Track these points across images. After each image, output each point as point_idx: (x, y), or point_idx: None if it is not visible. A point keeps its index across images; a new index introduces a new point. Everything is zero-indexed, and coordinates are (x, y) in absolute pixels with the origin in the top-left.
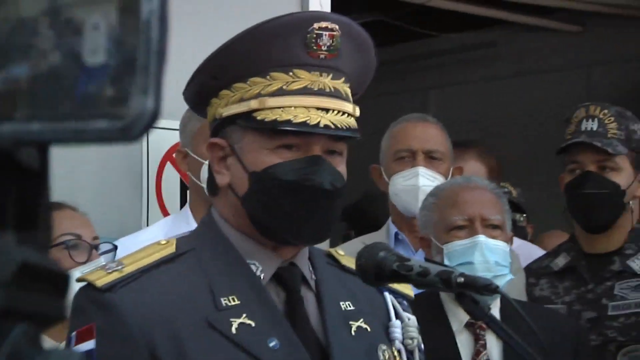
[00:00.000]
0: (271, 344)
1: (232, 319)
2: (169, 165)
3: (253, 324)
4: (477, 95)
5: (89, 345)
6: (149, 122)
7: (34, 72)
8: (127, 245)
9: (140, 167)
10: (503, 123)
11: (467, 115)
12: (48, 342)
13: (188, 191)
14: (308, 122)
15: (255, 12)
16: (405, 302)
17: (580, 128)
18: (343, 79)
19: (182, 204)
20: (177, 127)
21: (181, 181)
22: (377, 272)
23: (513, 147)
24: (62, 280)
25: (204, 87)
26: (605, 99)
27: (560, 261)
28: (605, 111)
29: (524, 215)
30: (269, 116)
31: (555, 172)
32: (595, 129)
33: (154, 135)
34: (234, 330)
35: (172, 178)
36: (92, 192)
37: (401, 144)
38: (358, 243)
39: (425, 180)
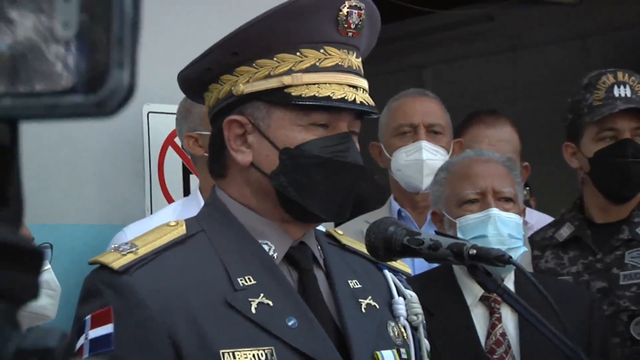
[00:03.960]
0: (290, 323)
1: (250, 299)
2: (170, 150)
3: (271, 304)
4: (474, 70)
5: (106, 329)
6: (126, 96)
7: (5, 47)
8: (138, 230)
9: (142, 153)
10: (501, 97)
11: (465, 90)
12: None
13: (192, 175)
14: (346, 98)
15: None
16: (404, 279)
17: (612, 94)
18: (360, 57)
19: (185, 189)
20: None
21: (184, 166)
22: (386, 247)
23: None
24: (36, 258)
25: (217, 63)
26: (602, 68)
27: (565, 232)
28: (633, 78)
29: (527, 188)
30: (305, 92)
31: (555, 144)
32: (629, 95)
33: (155, 120)
34: (253, 310)
35: (174, 163)
36: (94, 179)
37: (402, 119)
38: (361, 221)
39: (429, 153)
